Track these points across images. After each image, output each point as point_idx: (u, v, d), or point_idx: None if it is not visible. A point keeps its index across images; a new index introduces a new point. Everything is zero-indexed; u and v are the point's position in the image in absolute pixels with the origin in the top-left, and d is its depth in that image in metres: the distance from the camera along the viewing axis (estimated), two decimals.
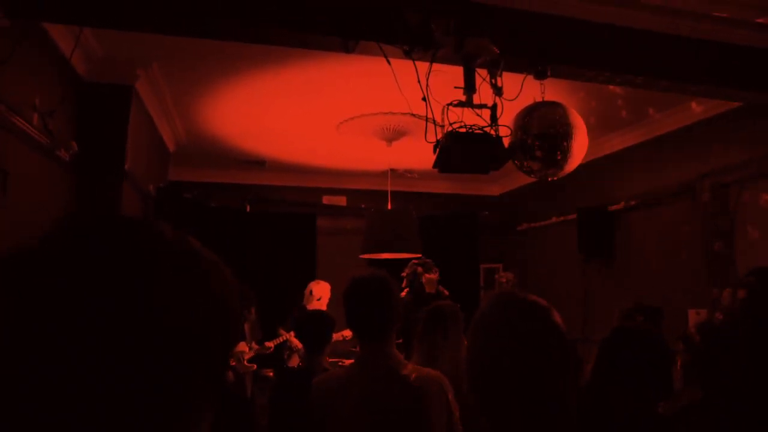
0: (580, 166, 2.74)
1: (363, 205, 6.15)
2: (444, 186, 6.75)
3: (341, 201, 6.54)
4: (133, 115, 3.54)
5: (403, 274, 4.60)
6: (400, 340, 3.59)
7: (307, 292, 4.83)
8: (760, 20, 2.85)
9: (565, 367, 0.88)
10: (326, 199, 6.52)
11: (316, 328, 3.10)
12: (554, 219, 5.77)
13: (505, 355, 0.89)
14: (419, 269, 4.55)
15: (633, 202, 4.78)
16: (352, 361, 1.83)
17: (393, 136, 4.61)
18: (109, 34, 3.04)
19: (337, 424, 1.71)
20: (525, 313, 0.90)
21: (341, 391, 1.74)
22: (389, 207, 5.03)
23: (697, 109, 4.18)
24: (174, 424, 0.47)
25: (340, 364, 4.05)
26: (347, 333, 4.85)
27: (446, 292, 4.55)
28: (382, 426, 1.65)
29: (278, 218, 6.14)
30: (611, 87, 3.62)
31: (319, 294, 4.72)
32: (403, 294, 4.41)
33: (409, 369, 1.75)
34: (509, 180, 6.54)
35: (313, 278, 5.67)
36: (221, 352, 0.51)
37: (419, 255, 4.84)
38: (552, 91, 3.03)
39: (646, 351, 1.51)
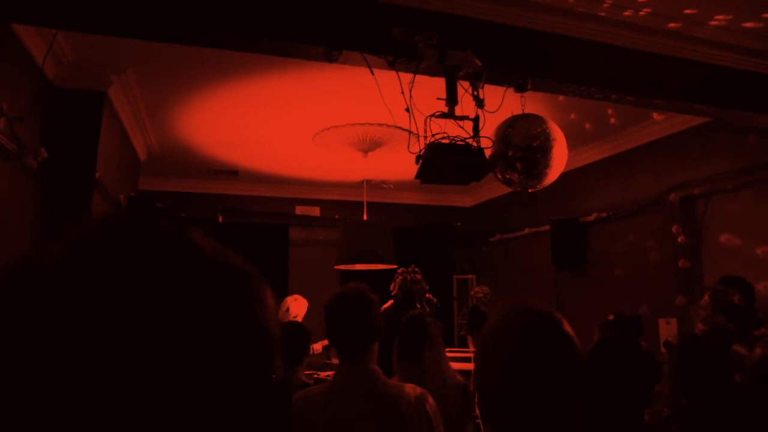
0: None
1: (337, 216, 6.12)
2: (417, 197, 6.78)
3: (314, 211, 6.49)
4: (105, 122, 3.44)
5: (394, 285, 4.46)
6: None
7: (283, 308, 4.75)
8: (734, 42, 2.96)
9: (576, 379, 0.88)
10: (299, 210, 6.46)
11: (293, 340, 3.05)
12: (527, 230, 5.84)
13: (518, 367, 0.88)
14: (417, 276, 4.41)
15: (604, 214, 4.88)
16: (328, 373, 1.79)
17: (369, 147, 4.60)
18: (81, 39, 2.95)
19: None
20: (539, 325, 0.90)
21: (322, 409, 1.70)
22: (365, 218, 5.00)
23: (666, 123, 4.30)
24: None
25: (315, 376, 3.99)
26: (317, 347, 4.78)
27: (434, 300, 4.49)
28: None
29: (250, 229, 6.05)
30: (588, 101, 3.70)
31: (296, 312, 4.64)
32: (388, 304, 4.30)
33: (390, 386, 1.72)
34: (481, 191, 6.61)
35: (285, 289, 5.58)
36: (251, 373, 0.48)
37: (394, 266, 4.82)
38: (533, 104, 3.08)
39: (632, 361, 1.52)
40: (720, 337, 1.68)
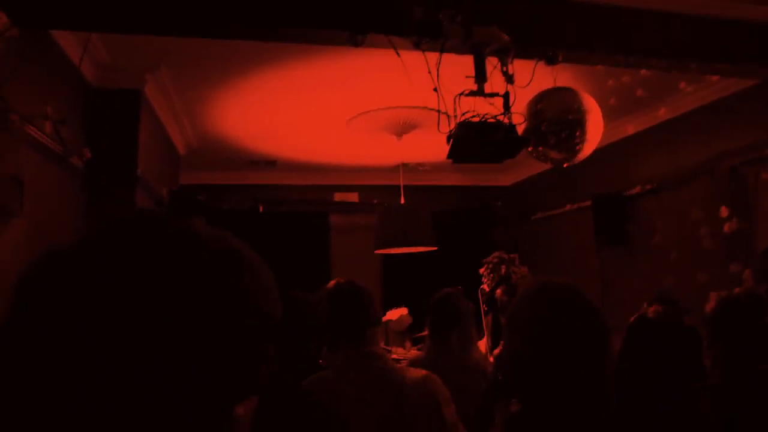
0: (594, 152, 2.70)
1: (375, 201, 6.13)
2: (455, 178, 6.72)
3: (353, 197, 6.53)
4: (143, 119, 3.55)
5: (484, 270, 4.85)
6: None
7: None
8: None
9: (602, 353, 0.87)
10: (338, 196, 6.51)
11: None
12: (568, 207, 5.71)
13: (544, 343, 0.87)
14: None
15: (649, 186, 4.72)
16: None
17: (403, 129, 4.58)
18: (115, 39, 3.04)
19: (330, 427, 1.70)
20: (564, 301, 0.88)
21: (332, 395, 1.71)
22: (402, 201, 5.00)
23: (712, 88, 4.10)
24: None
25: None
26: None
27: None
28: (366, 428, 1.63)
29: (291, 217, 6.14)
30: (624, 70, 3.57)
31: None
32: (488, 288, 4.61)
33: (397, 370, 1.73)
34: (520, 170, 6.49)
35: (328, 275, 5.65)
36: (249, 354, 0.48)
37: (434, 248, 4.82)
38: (564, 76, 2.99)
39: (672, 336, 1.48)
40: (751, 300, 1.60)
